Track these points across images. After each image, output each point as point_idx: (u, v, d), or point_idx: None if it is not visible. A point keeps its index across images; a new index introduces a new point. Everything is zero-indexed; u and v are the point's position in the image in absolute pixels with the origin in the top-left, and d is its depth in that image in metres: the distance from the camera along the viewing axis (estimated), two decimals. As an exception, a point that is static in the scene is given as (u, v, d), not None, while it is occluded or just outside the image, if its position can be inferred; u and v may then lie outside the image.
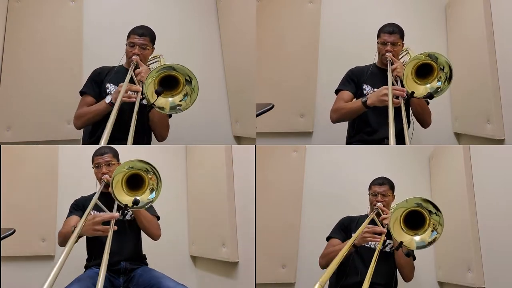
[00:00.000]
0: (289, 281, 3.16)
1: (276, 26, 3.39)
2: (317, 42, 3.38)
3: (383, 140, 2.64)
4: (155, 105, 2.32)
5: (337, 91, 2.73)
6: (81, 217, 2.46)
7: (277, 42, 3.38)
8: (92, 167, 2.56)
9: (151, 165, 2.27)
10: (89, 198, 2.55)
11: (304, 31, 3.38)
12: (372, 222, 2.47)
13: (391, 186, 2.61)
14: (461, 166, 2.83)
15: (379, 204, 2.53)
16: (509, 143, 2.74)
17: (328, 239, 2.63)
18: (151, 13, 3.36)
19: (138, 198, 2.27)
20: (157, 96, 2.31)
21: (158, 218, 2.63)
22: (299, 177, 3.24)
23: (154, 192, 2.30)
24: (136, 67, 2.51)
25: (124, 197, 2.27)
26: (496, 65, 2.81)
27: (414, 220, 2.27)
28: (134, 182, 2.30)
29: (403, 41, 2.65)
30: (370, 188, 2.62)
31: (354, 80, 2.70)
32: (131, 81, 2.45)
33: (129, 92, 2.39)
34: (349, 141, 2.78)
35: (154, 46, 2.63)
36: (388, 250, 2.51)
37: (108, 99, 2.48)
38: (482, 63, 2.86)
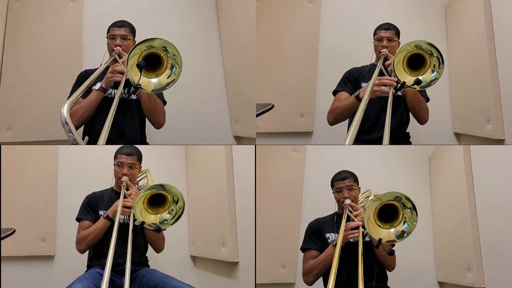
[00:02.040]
0: (289, 281, 3.16)
1: (276, 26, 3.39)
2: (317, 42, 3.38)
3: (381, 139, 2.63)
4: (140, 85, 2.23)
5: (334, 92, 2.72)
6: (92, 221, 2.52)
7: (277, 42, 3.38)
8: (114, 164, 2.55)
9: (183, 198, 2.31)
10: (101, 196, 2.59)
11: (304, 31, 3.38)
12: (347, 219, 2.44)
13: (355, 179, 2.53)
14: (461, 166, 2.83)
15: (347, 201, 2.45)
16: (509, 143, 2.74)
17: (303, 250, 2.54)
18: (151, 13, 3.36)
19: (160, 226, 2.30)
20: (140, 72, 2.21)
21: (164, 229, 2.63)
22: (299, 177, 3.24)
23: (170, 215, 2.33)
24: (119, 57, 2.47)
25: (147, 216, 2.31)
26: (496, 65, 2.80)
27: (388, 213, 2.26)
28: (158, 199, 2.33)
29: (399, 39, 2.65)
30: (333, 185, 2.54)
31: (351, 81, 2.68)
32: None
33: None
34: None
35: (136, 39, 2.60)
36: (368, 239, 2.41)
37: (97, 85, 2.44)
38: (482, 63, 2.86)
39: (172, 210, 2.32)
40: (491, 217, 2.67)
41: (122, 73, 2.40)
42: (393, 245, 2.40)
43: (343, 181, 2.50)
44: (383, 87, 2.39)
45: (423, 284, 3.10)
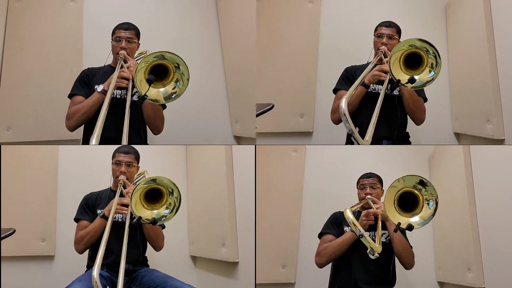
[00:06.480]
0: (289, 281, 3.17)
1: (276, 26, 3.39)
2: (317, 42, 3.38)
3: (380, 140, 2.64)
4: (147, 96, 2.26)
5: (334, 91, 2.73)
6: (90, 221, 2.51)
7: (277, 42, 3.38)
8: (112, 163, 2.56)
9: (176, 187, 2.31)
10: (99, 196, 2.59)
11: (304, 31, 3.38)
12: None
13: (380, 180, 2.63)
14: (461, 166, 2.83)
15: (369, 196, 2.55)
16: (509, 143, 2.74)
17: (320, 235, 2.63)
18: (151, 13, 3.36)
19: (156, 218, 2.30)
20: (149, 85, 2.25)
21: (163, 227, 2.62)
22: (299, 177, 3.24)
23: (168, 209, 2.34)
24: (125, 61, 2.47)
25: (144, 212, 2.32)
26: (496, 65, 2.81)
27: (407, 201, 2.29)
28: (153, 194, 2.33)
29: (400, 37, 2.64)
30: (358, 183, 2.65)
31: (350, 78, 2.69)
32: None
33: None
34: (349, 141, 2.78)
35: (140, 42, 2.60)
36: (384, 240, 2.50)
37: (100, 87, 2.44)
38: (482, 63, 2.86)
39: (170, 203, 2.32)
40: (491, 217, 2.67)
41: (128, 79, 2.40)
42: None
43: (368, 179, 2.61)
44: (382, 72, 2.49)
45: (423, 284, 3.10)
